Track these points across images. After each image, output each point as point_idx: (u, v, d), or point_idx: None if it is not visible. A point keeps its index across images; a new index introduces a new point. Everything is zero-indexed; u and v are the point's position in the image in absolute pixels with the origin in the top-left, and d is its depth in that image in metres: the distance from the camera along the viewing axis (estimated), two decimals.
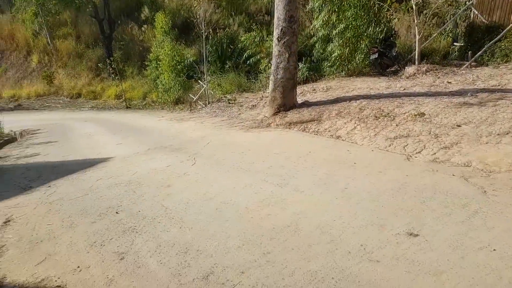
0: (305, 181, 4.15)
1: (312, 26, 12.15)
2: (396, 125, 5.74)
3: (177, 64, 13.97)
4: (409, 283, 2.30)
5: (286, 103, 7.61)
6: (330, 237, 2.90)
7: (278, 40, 7.38)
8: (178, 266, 2.70)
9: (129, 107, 15.89)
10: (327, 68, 11.22)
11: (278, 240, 2.92)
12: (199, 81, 13.81)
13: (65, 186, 4.85)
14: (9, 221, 3.81)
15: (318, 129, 6.48)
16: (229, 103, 10.87)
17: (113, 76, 18.70)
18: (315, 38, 11.61)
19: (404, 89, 7.88)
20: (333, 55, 10.81)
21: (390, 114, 6.21)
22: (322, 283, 2.37)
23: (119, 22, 21.44)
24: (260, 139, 6.38)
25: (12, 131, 10.86)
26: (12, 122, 11.96)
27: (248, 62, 14.01)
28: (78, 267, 2.81)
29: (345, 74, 10.77)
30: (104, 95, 18.64)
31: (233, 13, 19.25)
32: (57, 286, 2.59)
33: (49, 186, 4.90)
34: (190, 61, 15.25)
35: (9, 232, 3.55)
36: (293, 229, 3.08)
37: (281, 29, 7.30)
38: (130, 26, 21.59)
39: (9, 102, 20.38)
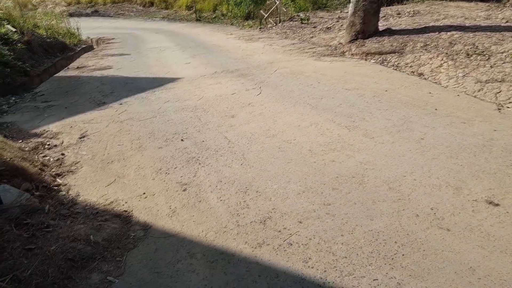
0: (377, 125, 3.85)
1: None
2: (491, 66, 5.01)
3: None
4: (480, 259, 2.10)
5: (366, 30, 6.92)
6: (398, 195, 2.71)
7: None
8: (237, 205, 2.71)
9: (199, 20, 15.63)
10: None
11: (341, 192, 2.79)
12: None
13: (135, 105, 4.99)
14: (84, 136, 4.04)
15: (399, 63, 5.89)
16: (302, 22, 10.19)
17: None
18: None
19: (507, 22, 6.77)
20: None
21: (485, 52, 5.42)
22: (383, 246, 2.25)
23: None
24: (332, 70, 5.97)
25: (89, 38, 11.27)
26: (89, 28, 12.36)
27: None
28: (144, 193, 2.93)
29: None
30: (176, 5, 18.41)
31: None
32: (124, 210, 2.73)
33: (120, 104, 5.07)
34: None
35: (83, 148, 3.77)
36: (358, 180, 2.91)
37: None
38: None
39: (87, 7, 20.97)
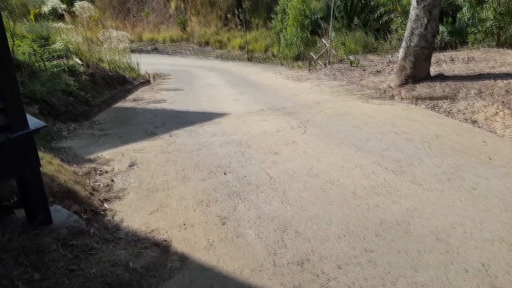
0: (426, 172, 3.70)
1: None
2: None
3: (303, 18, 13.54)
4: None
5: (417, 74, 6.82)
6: (446, 247, 2.54)
7: (417, 2, 6.50)
8: (274, 244, 2.66)
9: (250, 60, 16.18)
10: (472, 35, 9.67)
11: (385, 239, 2.67)
12: (322, 38, 13.25)
13: (184, 137, 5.17)
14: (133, 165, 4.21)
15: (451, 109, 5.71)
16: (351, 65, 10.25)
17: (239, 26, 19.11)
18: (463, 0, 10.00)
19: None
20: (484, 24, 9.18)
21: None
22: None
23: None
24: (380, 113, 5.88)
25: (147, 73, 11.98)
26: (148, 64, 13.14)
27: (380, 20, 12.89)
28: (184, 224, 2.97)
29: (495, 44, 9.18)
30: (229, 45, 19.24)
31: None
32: (164, 240, 2.77)
33: (170, 135, 5.27)
34: (316, 16, 14.65)
35: (131, 176, 3.92)
36: (404, 228, 2.78)
37: None
38: None
39: (148, 45, 22.45)
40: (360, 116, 5.72)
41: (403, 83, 6.93)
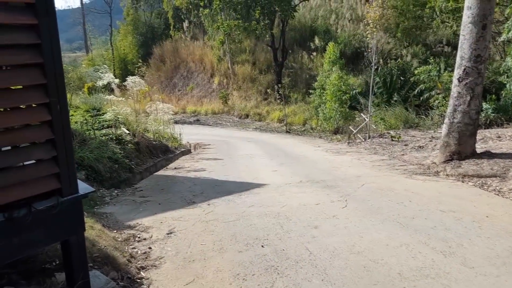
0: (478, 254, 3.42)
1: (503, 64, 10.47)
2: None
3: (342, 94, 13.88)
4: None
5: (462, 151, 6.63)
6: None
7: (458, 80, 6.53)
8: None
9: (289, 132, 16.49)
10: None
11: None
12: (361, 113, 13.40)
13: (222, 207, 5.16)
14: (171, 233, 4.21)
15: (501, 188, 5.40)
16: (392, 140, 10.16)
17: (278, 101, 19.82)
18: (507, 78, 9.96)
19: None
20: None
21: None
22: None
23: (290, 51, 22.68)
24: (424, 190, 5.66)
25: (188, 143, 12.43)
26: (189, 134, 13.68)
27: (420, 97, 12.98)
28: None
29: None
30: (268, 117, 19.84)
31: (407, 44, 18.28)
32: None
33: (208, 204, 5.29)
34: (355, 92, 14.99)
35: (169, 244, 3.90)
36: None
37: (464, 69, 6.44)
38: (300, 55, 22.61)
39: (190, 116, 23.59)
40: (403, 192, 5.53)
41: (448, 160, 6.73)
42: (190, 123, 21.39)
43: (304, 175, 7.10)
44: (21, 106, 2.18)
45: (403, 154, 8.46)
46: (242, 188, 6.18)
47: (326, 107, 14.54)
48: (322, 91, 15.28)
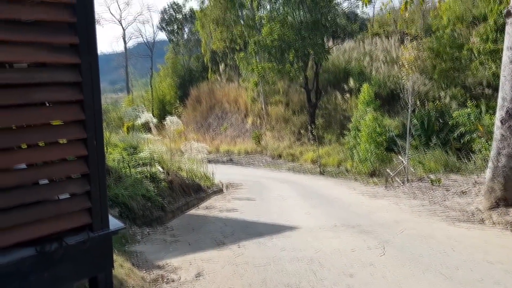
0: None
1: None
2: None
3: (377, 135, 13.61)
4: None
5: (508, 197, 6.20)
6: None
7: (501, 122, 6.23)
8: None
9: (323, 173, 16.20)
10: None
11: None
12: (398, 155, 13.01)
13: (252, 249, 5.00)
14: (200, 275, 4.08)
15: None
16: (432, 184, 9.71)
17: (312, 141, 19.71)
18: None
19: None
20: None
21: None
22: None
23: (324, 92, 22.79)
24: (468, 238, 5.27)
25: (220, 182, 12.43)
26: (222, 174, 13.70)
27: (461, 140, 12.51)
28: None
29: None
30: (302, 158, 19.67)
31: (445, 85, 17.95)
32: None
33: (238, 246, 5.15)
34: (391, 134, 14.68)
35: (197, 287, 3.76)
36: None
37: (506, 110, 6.16)
38: (334, 96, 22.66)
39: (224, 155, 23.80)
40: (446, 240, 5.16)
41: (494, 206, 6.29)
42: (223, 162, 21.54)
43: (338, 218, 6.84)
44: (60, 141, 2.22)
45: (444, 200, 8.02)
46: (273, 230, 6.00)
47: (361, 149, 14.25)
48: (357, 132, 15.06)
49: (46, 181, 2.24)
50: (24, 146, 2.17)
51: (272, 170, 18.38)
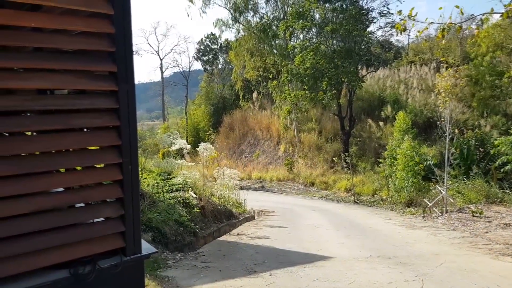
0: None
1: None
2: None
3: (414, 164, 13.18)
4: None
5: None
6: None
7: None
8: None
9: (357, 202, 15.79)
10: None
11: None
12: (436, 185, 12.52)
13: (283, 279, 4.88)
14: None
15: None
16: (473, 215, 9.23)
17: (345, 169, 19.37)
18: None
19: None
20: None
21: None
22: None
23: (358, 120, 22.53)
24: None
25: (252, 209, 12.35)
26: (253, 200, 13.63)
27: (502, 169, 11.91)
28: None
29: None
30: (335, 186, 19.31)
31: (485, 113, 17.33)
32: None
33: (270, 275, 5.04)
34: (429, 163, 14.20)
35: None
36: None
37: None
38: (368, 124, 22.34)
39: (256, 182, 23.75)
40: (489, 275, 4.84)
41: None
42: (255, 189, 21.47)
43: (374, 249, 6.59)
44: (96, 166, 2.30)
45: (486, 232, 7.58)
46: (306, 260, 5.86)
47: (397, 178, 13.83)
48: (392, 160, 14.67)
49: (81, 205, 2.31)
50: (62, 170, 2.26)
51: (305, 198, 18.11)
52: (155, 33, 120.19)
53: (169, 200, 7.67)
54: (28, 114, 2.41)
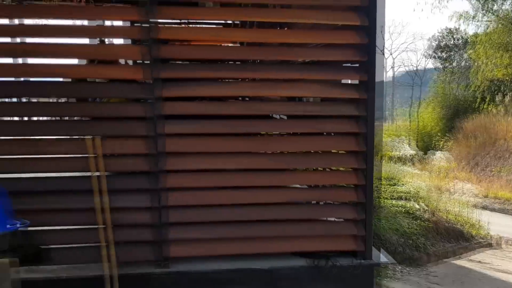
0: None
1: None
2: None
3: None
4: None
5: None
6: None
7: None
8: None
9: None
10: None
11: None
12: None
13: None
14: None
15: None
16: None
17: None
18: None
19: None
20: None
21: None
22: None
23: None
24: None
25: (498, 235, 10.48)
26: (500, 225, 11.55)
27: None
28: None
29: None
30: None
31: None
32: None
33: None
34: None
35: None
36: None
37: None
38: None
39: (502, 203, 20.02)
40: None
41: None
42: (502, 211, 18.16)
43: None
44: (333, 168, 2.45)
45: None
46: None
47: None
48: None
49: (321, 203, 2.52)
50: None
51: None
52: (389, 31, 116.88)
53: (389, 208, 7.36)
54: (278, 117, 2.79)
